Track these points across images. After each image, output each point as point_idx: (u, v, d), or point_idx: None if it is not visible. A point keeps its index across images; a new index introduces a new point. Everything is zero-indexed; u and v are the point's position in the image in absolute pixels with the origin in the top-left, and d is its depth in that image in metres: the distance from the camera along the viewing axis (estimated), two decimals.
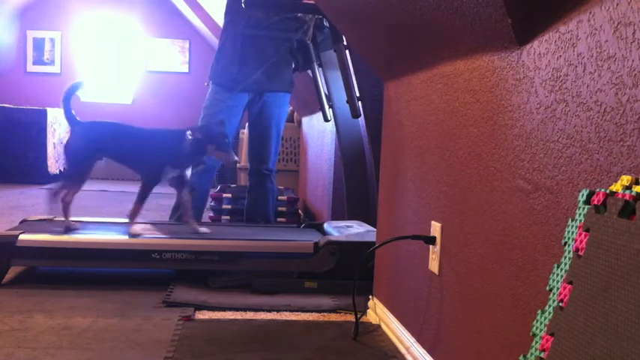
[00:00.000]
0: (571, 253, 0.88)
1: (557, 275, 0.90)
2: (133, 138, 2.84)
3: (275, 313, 2.24)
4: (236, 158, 2.85)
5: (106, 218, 3.24)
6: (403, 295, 1.93)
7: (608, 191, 0.83)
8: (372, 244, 2.24)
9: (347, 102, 2.95)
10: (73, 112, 2.78)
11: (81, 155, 2.74)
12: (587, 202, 0.86)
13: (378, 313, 2.17)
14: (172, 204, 3.54)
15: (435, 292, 1.65)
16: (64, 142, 2.76)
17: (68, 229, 2.67)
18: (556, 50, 1.07)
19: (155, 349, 1.80)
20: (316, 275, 2.55)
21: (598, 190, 0.85)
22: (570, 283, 0.86)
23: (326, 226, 3.03)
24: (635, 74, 0.87)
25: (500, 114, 1.28)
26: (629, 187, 0.80)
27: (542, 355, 0.88)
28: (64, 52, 7.85)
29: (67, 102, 2.76)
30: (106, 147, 2.79)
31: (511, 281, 1.22)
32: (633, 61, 0.87)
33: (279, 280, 2.55)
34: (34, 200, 5.16)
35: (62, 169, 6.91)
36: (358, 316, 2.04)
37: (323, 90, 3.32)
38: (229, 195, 4.08)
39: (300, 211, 4.45)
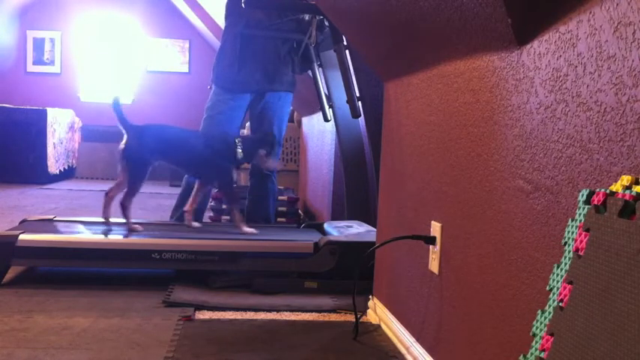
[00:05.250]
0: (571, 253, 0.88)
1: (557, 275, 0.90)
2: (190, 142, 2.96)
3: (275, 313, 2.24)
4: (276, 167, 3.17)
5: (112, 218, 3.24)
6: (403, 295, 1.94)
7: (608, 191, 0.83)
8: (372, 244, 2.24)
9: (347, 102, 2.95)
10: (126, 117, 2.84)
11: (140, 158, 2.82)
12: (587, 202, 0.86)
13: (378, 313, 2.17)
14: (172, 204, 3.54)
15: (435, 292, 1.65)
16: (121, 147, 2.80)
17: (131, 231, 2.77)
18: (556, 50, 1.08)
19: (155, 349, 1.80)
20: (316, 275, 2.55)
21: (598, 190, 0.85)
22: (570, 283, 0.86)
23: (326, 226, 3.03)
24: (635, 74, 0.87)
25: (500, 114, 1.28)
26: (629, 187, 0.80)
27: (542, 355, 0.88)
28: (64, 52, 7.85)
29: (119, 109, 2.80)
30: (162, 150, 2.87)
31: (511, 281, 1.22)
32: (633, 61, 0.87)
33: (279, 280, 2.55)
34: (34, 200, 5.16)
35: (62, 169, 6.91)
36: (358, 316, 2.04)
37: (323, 90, 3.32)
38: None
39: (300, 211, 4.45)
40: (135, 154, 2.79)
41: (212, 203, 4.05)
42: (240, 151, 2.90)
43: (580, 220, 0.87)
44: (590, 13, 0.97)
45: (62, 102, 7.47)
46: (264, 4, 3.16)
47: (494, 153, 1.31)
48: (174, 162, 3.03)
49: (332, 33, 2.98)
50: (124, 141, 2.79)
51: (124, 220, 2.86)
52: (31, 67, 7.82)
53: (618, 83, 0.91)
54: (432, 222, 1.68)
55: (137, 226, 2.81)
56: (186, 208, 3.02)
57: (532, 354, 0.91)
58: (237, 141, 2.92)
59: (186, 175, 3.39)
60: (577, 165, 1.01)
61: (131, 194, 2.81)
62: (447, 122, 1.59)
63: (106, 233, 2.70)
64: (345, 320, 2.19)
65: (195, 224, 2.97)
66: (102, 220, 2.88)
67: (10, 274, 2.55)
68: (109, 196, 2.84)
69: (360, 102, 2.92)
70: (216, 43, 5.77)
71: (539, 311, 0.92)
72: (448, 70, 1.57)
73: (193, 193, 3.03)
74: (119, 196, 2.83)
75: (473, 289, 1.40)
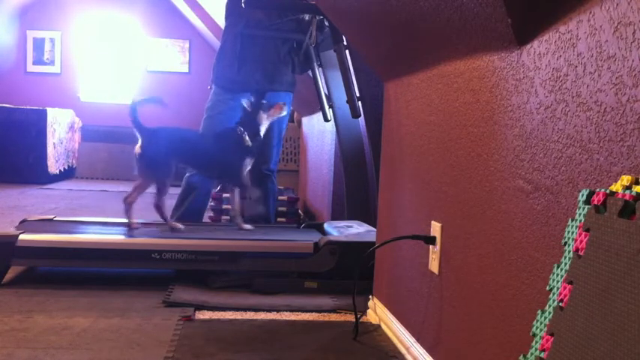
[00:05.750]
0: (571, 253, 0.88)
1: (557, 275, 0.90)
2: (202, 143, 3.01)
3: (275, 313, 2.24)
4: (285, 107, 3.06)
5: (106, 218, 3.24)
6: (403, 295, 1.94)
7: (608, 191, 0.83)
8: (372, 244, 2.24)
9: (347, 102, 2.95)
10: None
11: (160, 158, 2.83)
12: (587, 202, 0.86)
13: (378, 313, 2.17)
14: (172, 204, 3.54)
15: (435, 292, 1.65)
16: (137, 150, 2.82)
17: (130, 227, 2.79)
18: (556, 50, 1.08)
19: (155, 349, 1.80)
20: (316, 275, 2.55)
21: (598, 190, 0.85)
22: (570, 283, 0.86)
23: (326, 226, 3.03)
24: (635, 74, 0.87)
25: (500, 114, 1.28)
26: (629, 187, 0.80)
27: (542, 355, 0.88)
28: (64, 52, 7.85)
29: (135, 112, 2.82)
30: (177, 151, 2.89)
31: (511, 281, 1.22)
32: (633, 61, 0.87)
33: (279, 280, 2.55)
34: (34, 200, 5.16)
35: (62, 169, 6.92)
36: (358, 316, 2.04)
37: (323, 90, 3.32)
38: (229, 195, 4.08)
39: (300, 211, 4.45)
40: (154, 155, 2.80)
41: (212, 203, 4.05)
42: (247, 137, 2.89)
43: (580, 220, 0.87)
44: (590, 13, 0.97)
45: (62, 102, 7.46)
46: (264, 4, 3.16)
47: (494, 153, 1.31)
48: (190, 163, 3.06)
49: (332, 33, 2.98)
50: (138, 144, 2.80)
51: (125, 220, 2.85)
52: (31, 67, 7.81)
53: (618, 83, 0.91)
54: (432, 222, 1.68)
55: (177, 224, 2.84)
56: (232, 213, 3.03)
57: (532, 354, 0.91)
58: (239, 130, 2.91)
59: (186, 175, 3.39)
60: (577, 165, 1.01)
61: (162, 194, 2.83)
62: (447, 122, 1.59)
63: (106, 233, 2.70)
64: (345, 320, 2.19)
65: (247, 226, 2.94)
66: (102, 220, 2.88)
67: (10, 274, 2.55)
68: (128, 202, 2.83)
69: (360, 102, 2.92)
70: (216, 43, 5.77)
71: (539, 311, 0.92)
72: (448, 70, 1.57)
73: (232, 197, 3.04)
74: (139, 201, 2.85)
75: (473, 289, 1.40)
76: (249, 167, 2.96)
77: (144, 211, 2.95)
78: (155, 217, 2.90)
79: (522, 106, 1.19)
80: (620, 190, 0.81)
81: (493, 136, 1.32)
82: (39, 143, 6.43)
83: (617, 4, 0.90)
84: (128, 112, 2.81)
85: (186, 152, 2.93)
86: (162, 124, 3.03)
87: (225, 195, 4.09)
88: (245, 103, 2.95)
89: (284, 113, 3.11)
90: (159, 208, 2.83)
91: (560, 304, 0.87)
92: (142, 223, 2.88)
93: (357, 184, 3.20)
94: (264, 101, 3.00)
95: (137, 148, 2.81)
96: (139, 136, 2.81)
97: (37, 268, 2.72)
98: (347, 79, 2.89)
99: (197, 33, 7.82)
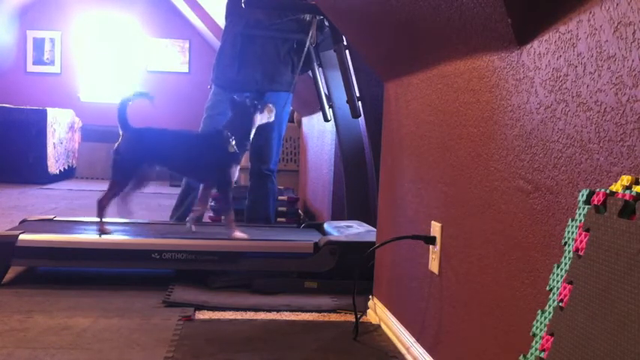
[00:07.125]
0: (571, 253, 0.88)
1: (557, 275, 0.90)
2: (187, 145, 2.84)
3: (275, 313, 2.24)
4: (273, 110, 2.94)
5: (106, 218, 3.23)
6: (403, 295, 1.93)
7: (608, 191, 0.83)
8: (372, 244, 2.24)
9: (347, 102, 2.95)
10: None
11: (129, 160, 2.70)
12: (587, 202, 0.86)
13: (378, 313, 2.17)
14: (172, 204, 3.55)
15: (435, 292, 1.65)
16: (115, 147, 2.70)
17: (101, 232, 2.66)
18: (556, 50, 1.08)
19: (155, 349, 1.80)
20: (316, 275, 2.55)
21: (598, 190, 0.85)
22: (570, 283, 0.86)
23: (326, 226, 3.03)
24: (635, 74, 0.87)
25: (500, 114, 1.28)
26: (629, 187, 0.80)
27: (542, 355, 0.88)
28: (64, 52, 7.85)
29: (123, 109, 2.70)
30: (158, 154, 2.76)
31: (511, 281, 1.22)
32: (633, 61, 0.87)
33: (279, 280, 2.55)
34: (34, 200, 5.16)
35: (62, 169, 6.91)
36: (358, 316, 2.04)
37: (323, 90, 3.32)
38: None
39: (300, 211, 4.45)
40: (124, 155, 2.68)
41: (212, 203, 4.05)
42: (233, 142, 2.74)
43: (580, 220, 0.87)
44: (590, 13, 0.97)
45: (62, 102, 7.46)
46: (264, 4, 3.16)
47: (494, 153, 1.31)
48: (173, 168, 2.95)
49: (332, 33, 2.98)
50: (117, 141, 2.70)
51: (122, 220, 2.85)
52: (31, 67, 7.81)
53: (618, 83, 0.91)
54: (432, 222, 1.68)
55: (109, 228, 2.69)
56: (195, 213, 2.92)
57: (532, 354, 0.91)
58: (226, 134, 2.75)
59: None
60: (577, 165, 1.01)
61: (110, 195, 2.68)
62: (447, 122, 1.59)
63: (105, 233, 2.70)
64: (345, 320, 2.19)
65: (241, 235, 2.75)
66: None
67: (10, 274, 2.55)
68: (102, 205, 2.70)
69: (360, 102, 2.92)
70: (216, 43, 5.77)
71: (539, 311, 0.92)
72: (448, 70, 1.57)
73: (199, 196, 2.94)
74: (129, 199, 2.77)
75: (473, 289, 1.40)
76: (236, 175, 2.81)
77: (143, 211, 2.95)
78: (154, 217, 2.89)
79: (522, 106, 1.19)
80: (620, 190, 0.81)
81: (493, 136, 1.32)
82: (39, 143, 6.42)
83: (617, 4, 0.90)
84: (117, 107, 2.69)
85: (168, 155, 2.77)
86: (163, 124, 3.02)
87: None
88: (236, 98, 2.82)
89: (272, 117, 2.95)
90: (102, 207, 2.67)
91: (560, 304, 0.87)
92: (145, 223, 2.84)
93: (357, 184, 3.20)
94: (256, 102, 2.85)
95: (115, 145, 2.69)
96: (121, 133, 2.69)
97: (37, 268, 2.72)
98: (347, 79, 2.89)
99: (197, 33, 7.82)
